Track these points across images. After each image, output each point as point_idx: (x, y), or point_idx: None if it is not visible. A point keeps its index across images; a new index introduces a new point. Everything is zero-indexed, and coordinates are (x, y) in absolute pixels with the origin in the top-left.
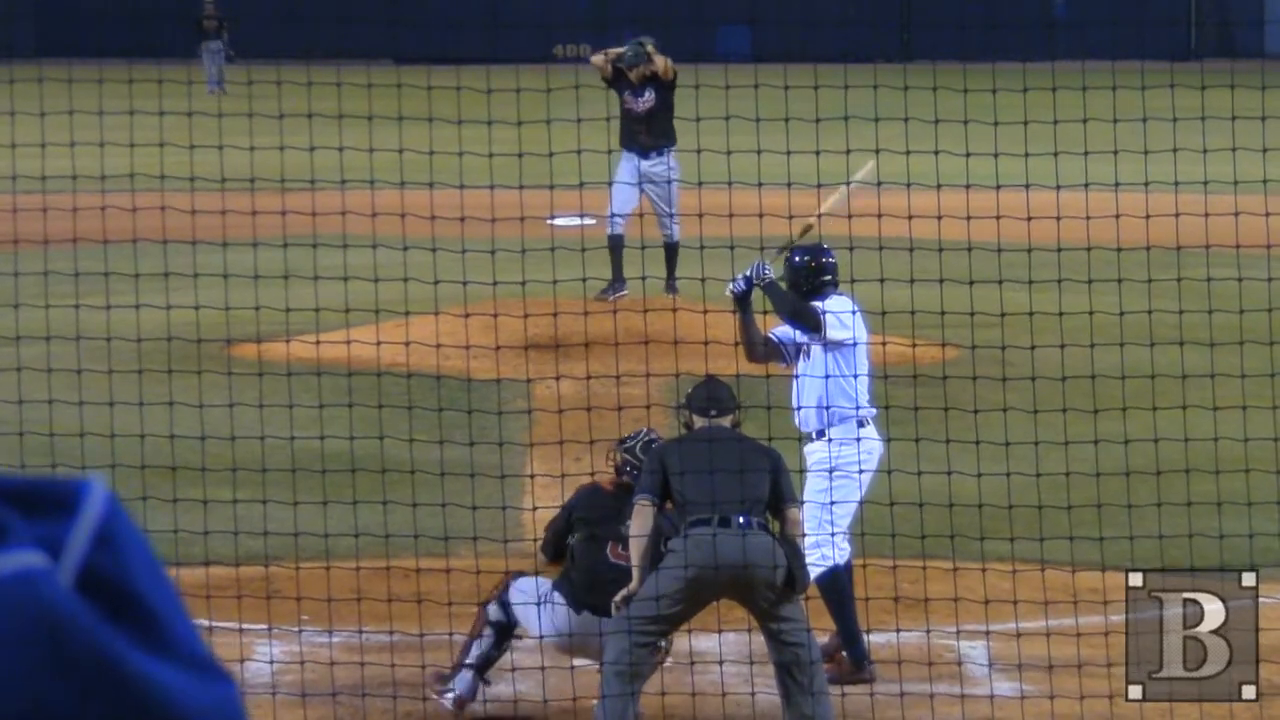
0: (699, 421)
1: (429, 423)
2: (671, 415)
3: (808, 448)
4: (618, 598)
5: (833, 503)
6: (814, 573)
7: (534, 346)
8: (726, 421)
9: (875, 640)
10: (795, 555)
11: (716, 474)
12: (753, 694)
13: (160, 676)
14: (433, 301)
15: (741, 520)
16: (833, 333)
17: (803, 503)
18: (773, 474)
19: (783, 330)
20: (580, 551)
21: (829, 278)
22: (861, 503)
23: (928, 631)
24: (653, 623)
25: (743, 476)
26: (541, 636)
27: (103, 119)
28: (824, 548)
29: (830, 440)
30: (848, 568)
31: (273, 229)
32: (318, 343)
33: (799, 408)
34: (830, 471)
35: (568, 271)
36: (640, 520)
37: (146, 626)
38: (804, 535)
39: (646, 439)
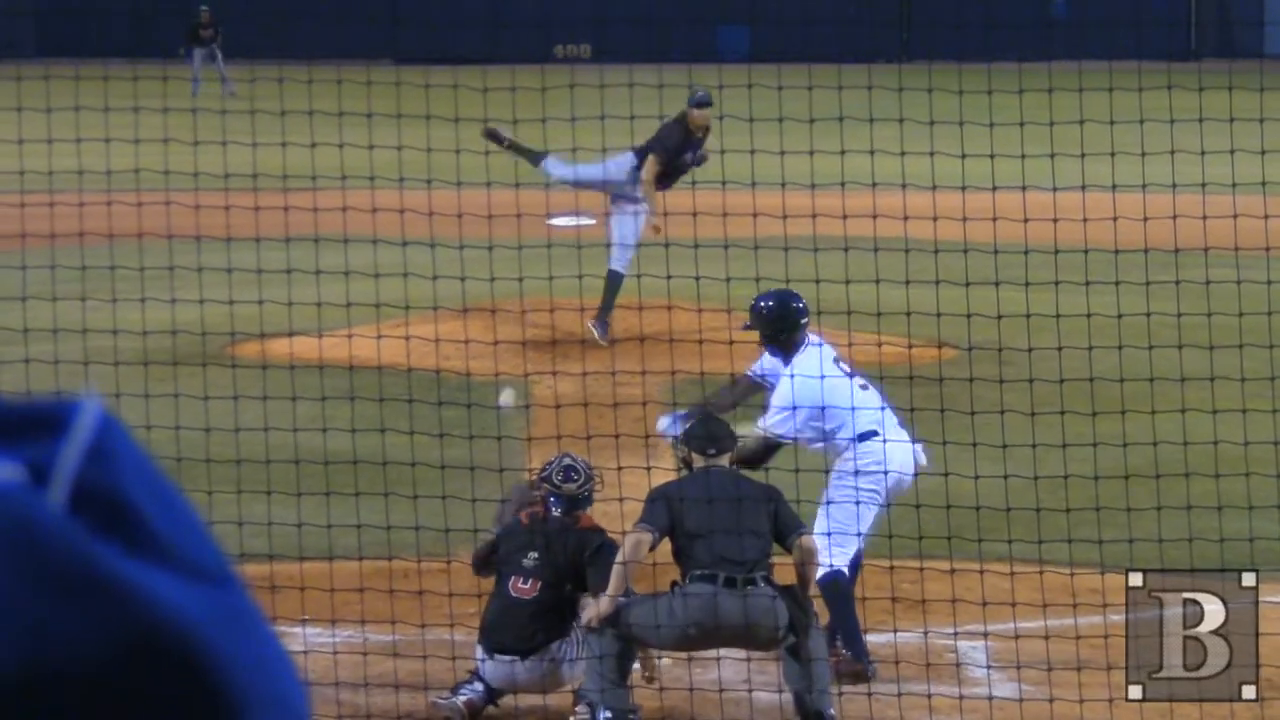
0: (698, 460)
1: (429, 419)
2: (673, 450)
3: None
4: (585, 619)
5: (829, 502)
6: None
7: (531, 344)
8: (724, 460)
9: (873, 641)
10: (798, 606)
11: (718, 531)
12: (750, 691)
13: (154, 585)
14: (431, 299)
15: (744, 581)
16: (786, 430)
17: (829, 502)
18: (773, 514)
19: (762, 368)
20: (495, 587)
21: (799, 327)
22: (886, 505)
23: (925, 633)
24: (644, 641)
25: (743, 533)
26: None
27: (108, 116)
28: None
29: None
30: (853, 567)
31: (275, 227)
32: (320, 339)
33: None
34: (835, 476)
35: (564, 270)
36: (631, 549)
37: (142, 537)
38: (818, 564)
39: (563, 464)
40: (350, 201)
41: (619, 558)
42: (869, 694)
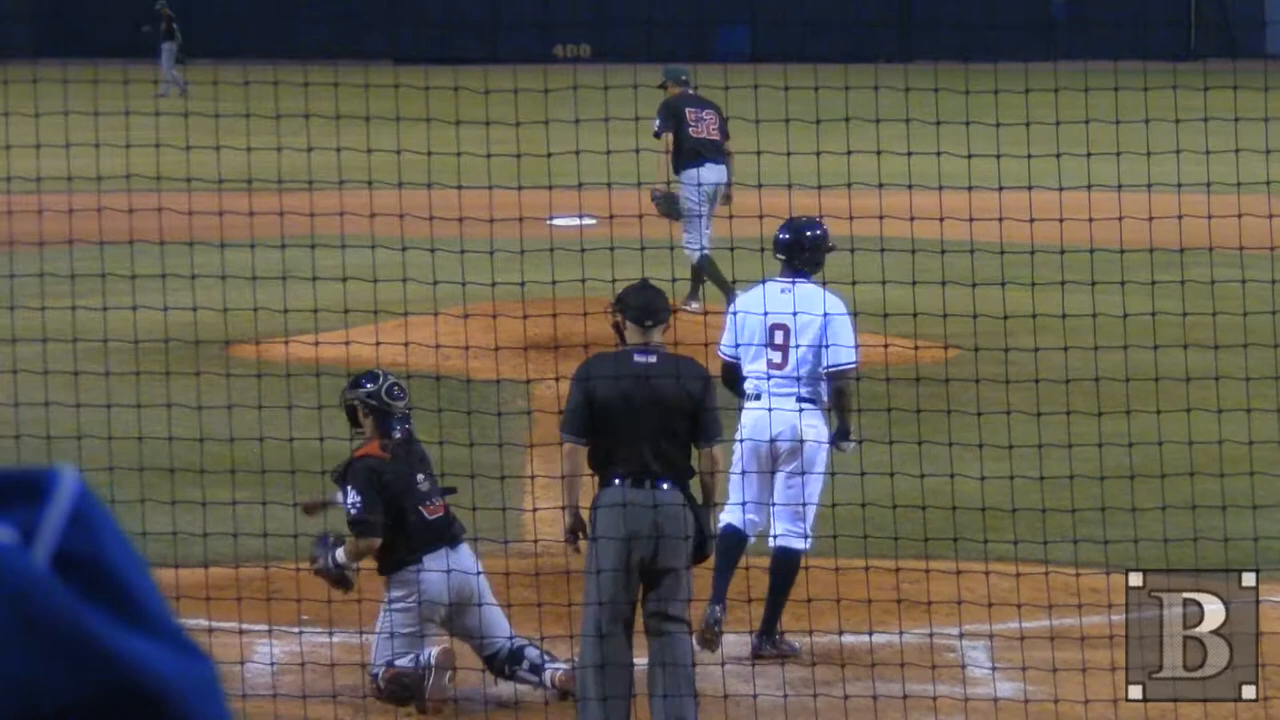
0: (632, 332)
1: (429, 423)
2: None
3: None
4: (566, 536)
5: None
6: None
7: (533, 347)
8: (658, 334)
9: (877, 641)
10: (702, 521)
11: (635, 425)
12: (754, 696)
13: (141, 651)
14: (431, 302)
15: (655, 484)
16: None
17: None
18: (695, 411)
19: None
20: (400, 529)
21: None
22: (744, 473)
23: (930, 634)
24: (601, 594)
25: (664, 429)
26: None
27: (98, 119)
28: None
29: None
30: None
31: (270, 229)
32: (316, 343)
33: None
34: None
35: (566, 273)
36: (570, 463)
37: (125, 603)
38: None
39: (388, 384)
40: (348, 203)
41: (563, 470)
42: (873, 696)
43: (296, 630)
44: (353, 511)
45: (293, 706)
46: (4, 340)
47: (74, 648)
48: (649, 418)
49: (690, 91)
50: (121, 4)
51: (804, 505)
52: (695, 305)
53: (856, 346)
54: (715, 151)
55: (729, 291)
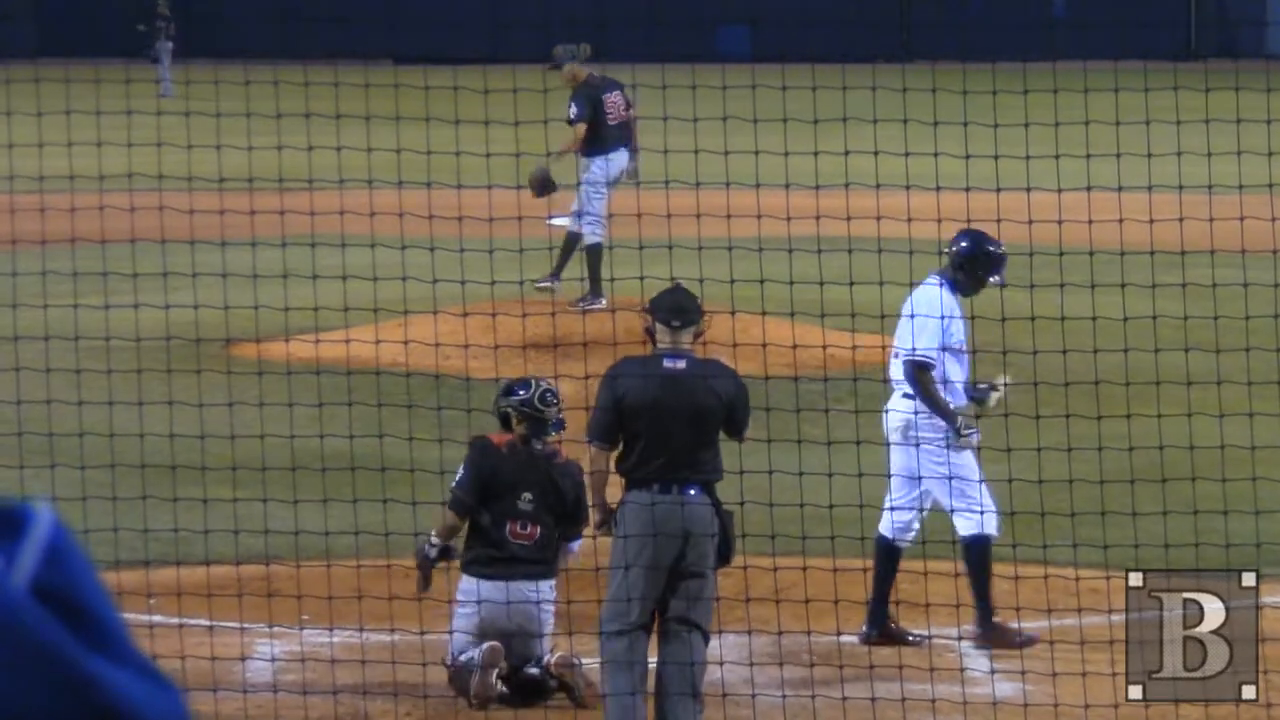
0: (661, 334)
1: (428, 422)
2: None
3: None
4: (592, 527)
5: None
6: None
7: (531, 346)
8: (688, 336)
9: (880, 641)
10: (728, 526)
11: (663, 430)
12: (753, 696)
13: (118, 680)
14: (431, 301)
15: (682, 489)
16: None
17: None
18: (728, 412)
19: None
20: (482, 530)
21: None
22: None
23: (929, 635)
24: (629, 591)
25: (694, 434)
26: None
27: (100, 119)
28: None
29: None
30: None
31: (271, 228)
32: (317, 342)
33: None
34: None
35: (567, 272)
36: (595, 465)
37: (98, 634)
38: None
39: (540, 390)
40: (348, 203)
41: (589, 468)
42: (871, 699)
43: (297, 629)
44: (452, 484)
45: (294, 705)
46: (6, 339)
47: (55, 672)
48: (678, 422)
49: (595, 74)
50: (122, 4)
51: (958, 484)
52: (556, 285)
53: (914, 346)
54: (628, 136)
55: (598, 291)
